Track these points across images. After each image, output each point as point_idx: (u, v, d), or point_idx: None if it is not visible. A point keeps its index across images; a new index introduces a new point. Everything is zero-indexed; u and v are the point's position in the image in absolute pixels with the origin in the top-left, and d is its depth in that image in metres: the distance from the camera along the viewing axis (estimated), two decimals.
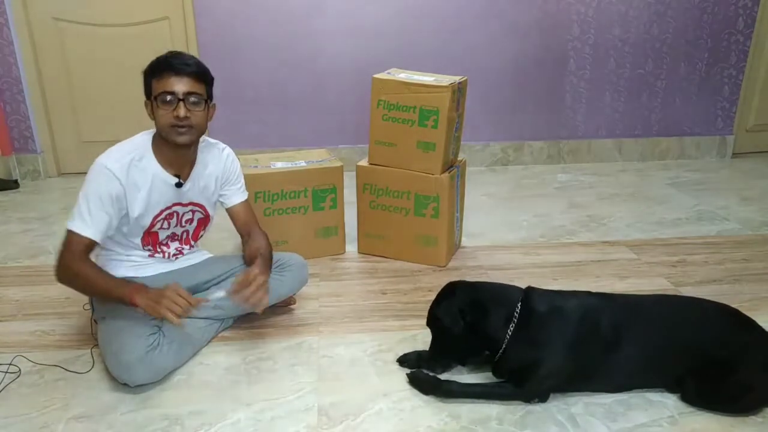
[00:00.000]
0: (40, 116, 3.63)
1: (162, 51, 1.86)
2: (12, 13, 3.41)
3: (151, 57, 1.84)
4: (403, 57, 3.57)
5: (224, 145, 2.12)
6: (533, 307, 1.75)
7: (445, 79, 2.47)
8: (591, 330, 1.74)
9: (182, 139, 1.84)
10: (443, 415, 1.71)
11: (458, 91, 2.48)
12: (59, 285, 1.84)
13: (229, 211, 2.14)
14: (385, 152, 2.56)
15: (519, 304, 1.76)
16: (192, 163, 1.99)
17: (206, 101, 1.87)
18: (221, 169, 2.06)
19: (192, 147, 1.94)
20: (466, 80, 2.56)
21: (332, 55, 3.68)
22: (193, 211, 2.05)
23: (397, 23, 3.65)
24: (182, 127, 1.81)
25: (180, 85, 1.79)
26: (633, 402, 1.76)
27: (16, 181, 3.62)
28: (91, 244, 1.81)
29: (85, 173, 1.84)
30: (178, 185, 1.94)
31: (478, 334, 1.77)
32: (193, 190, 2.00)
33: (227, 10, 3.52)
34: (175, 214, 2.00)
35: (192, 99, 1.81)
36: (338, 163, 2.64)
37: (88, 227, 1.79)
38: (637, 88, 3.96)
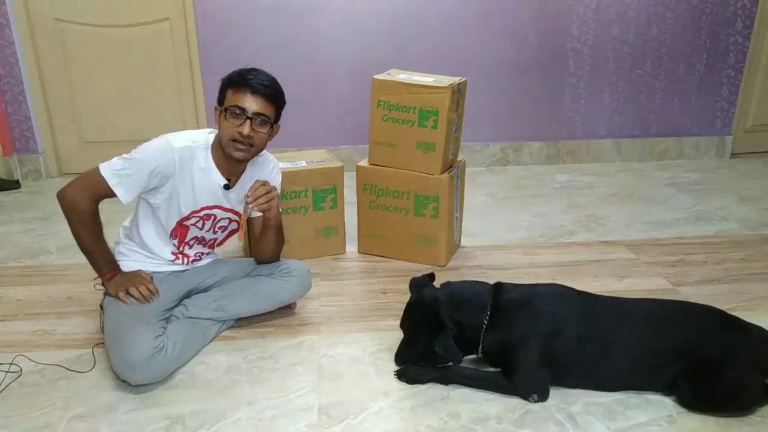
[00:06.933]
0: (41, 116, 3.63)
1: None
2: (13, 14, 3.42)
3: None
4: (403, 57, 3.58)
5: (273, 158, 2.15)
6: (501, 305, 1.82)
7: (445, 80, 2.48)
8: (560, 318, 1.79)
9: (238, 155, 1.88)
10: (443, 415, 1.72)
11: (458, 91, 2.49)
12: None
13: (253, 220, 2.13)
14: (385, 152, 2.57)
15: (489, 305, 1.82)
16: (241, 172, 2.02)
17: (272, 124, 1.91)
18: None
19: (245, 162, 1.99)
20: (465, 81, 2.57)
21: (332, 55, 3.69)
22: (230, 220, 2.08)
23: (397, 23, 3.66)
24: (242, 143, 1.86)
25: (252, 103, 1.84)
26: (632, 401, 1.77)
27: (17, 182, 3.63)
28: (107, 194, 1.84)
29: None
30: (226, 187, 1.97)
31: (460, 346, 1.83)
32: (237, 197, 2.03)
33: (228, 11, 3.52)
34: (213, 216, 2.02)
35: (259, 119, 1.86)
36: (338, 164, 2.65)
37: (115, 177, 1.82)
38: (636, 89, 3.97)
